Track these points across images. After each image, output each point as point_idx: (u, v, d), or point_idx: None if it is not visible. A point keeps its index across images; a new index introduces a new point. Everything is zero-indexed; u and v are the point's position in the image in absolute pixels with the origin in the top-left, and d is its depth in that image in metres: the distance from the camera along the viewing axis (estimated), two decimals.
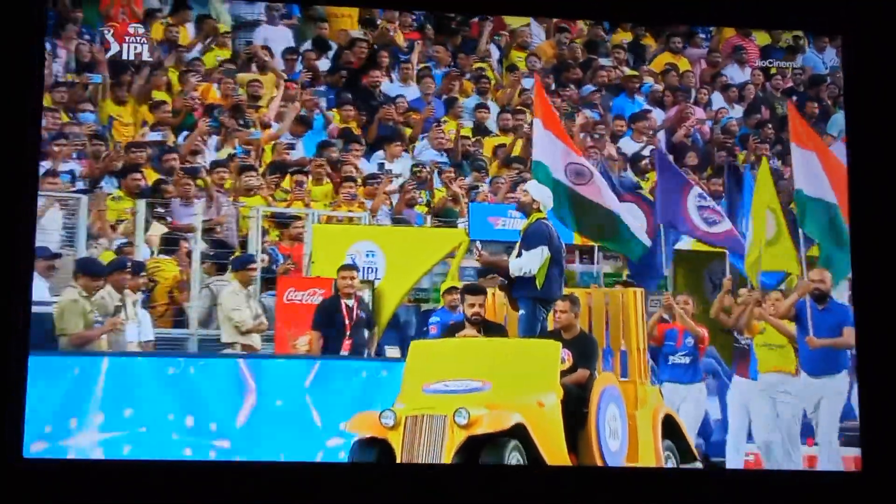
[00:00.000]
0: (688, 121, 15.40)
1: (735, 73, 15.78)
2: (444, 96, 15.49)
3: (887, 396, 12.23)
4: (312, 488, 11.60)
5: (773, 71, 15.57)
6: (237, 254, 13.52)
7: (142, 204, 13.56)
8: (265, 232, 13.85)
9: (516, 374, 12.28)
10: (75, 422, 12.45)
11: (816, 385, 13.30)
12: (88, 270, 12.75)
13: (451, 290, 13.98)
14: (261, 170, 14.26)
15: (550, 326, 12.85)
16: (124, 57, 14.76)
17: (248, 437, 12.38)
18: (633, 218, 14.17)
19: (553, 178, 13.51)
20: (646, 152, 15.13)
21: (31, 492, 11.49)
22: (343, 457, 12.60)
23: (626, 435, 12.86)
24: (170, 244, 13.67)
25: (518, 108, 15.47)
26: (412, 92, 15.39)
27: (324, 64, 15.24)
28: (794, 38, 15.63)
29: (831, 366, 13.31)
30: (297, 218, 14.00)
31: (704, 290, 14.86)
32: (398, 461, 11.93)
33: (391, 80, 15.39)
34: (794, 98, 15.45)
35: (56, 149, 13.89)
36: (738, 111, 15.77)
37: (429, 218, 14.87)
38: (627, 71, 15.84)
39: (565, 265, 13.65)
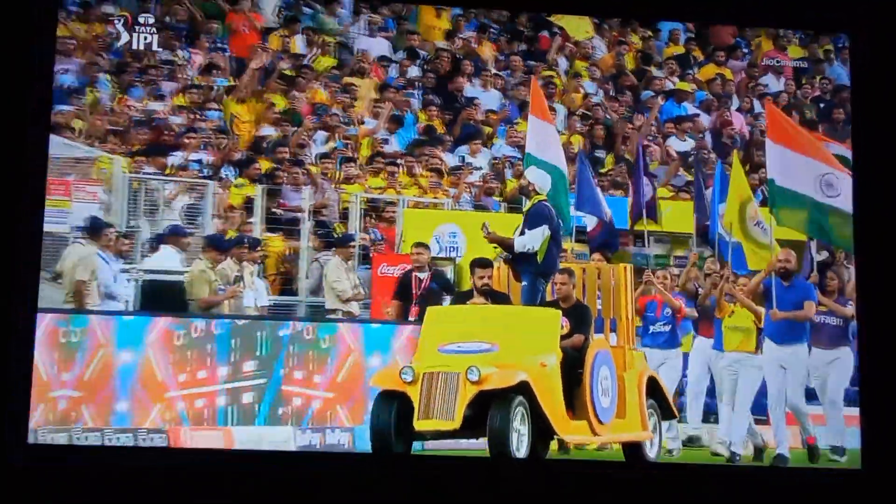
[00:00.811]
0: (728, 125, 15.72)
1: (771, 82, 16.07)
2: (518, 100, 15.75)
3: (888, 397, 12.41)
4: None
5: (804, 81, 15.89)
6: (339, 233, 14.16)
7: (259, 189, 14.21)
8: (365, 214, 14.44)
9: (521, 337, 12.64)
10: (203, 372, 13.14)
11: (779, 353, 13.52)
12: (214, 245, 13.53)
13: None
14: (359, 161, 14.79)
15: (549, 297, 13.28)
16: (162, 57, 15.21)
17: (345, 389, 13.06)
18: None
19: (548, 164, 13.68)
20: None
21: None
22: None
23: (615, 393, 13.20)
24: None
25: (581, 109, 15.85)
26: (491, 95, 15.77)
27: (413, 70, 15.66)
28: (823, 52, 15.98)
29: (794, 336, 13.50)
30: (391, 203, 14.60)
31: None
32: (416, 413, 12.17)
33: (472, 85, 15.77)
34: (818, 104, 15.82)
35: (187, 141, 14.48)
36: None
37: (503, 205, 14.96)
38: (678, 81, 16.14)
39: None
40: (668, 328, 14.15)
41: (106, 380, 13.00)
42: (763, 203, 14.19)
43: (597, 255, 14.29)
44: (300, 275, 14.29)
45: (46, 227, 13.48)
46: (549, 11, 16.05)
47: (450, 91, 15.70)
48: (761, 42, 16.28)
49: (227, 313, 13.62)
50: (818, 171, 13.81)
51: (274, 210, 14.41)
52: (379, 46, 15.84)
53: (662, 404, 13.63)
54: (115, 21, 15.17)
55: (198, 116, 15.00)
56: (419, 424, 12.18)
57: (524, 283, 13.25)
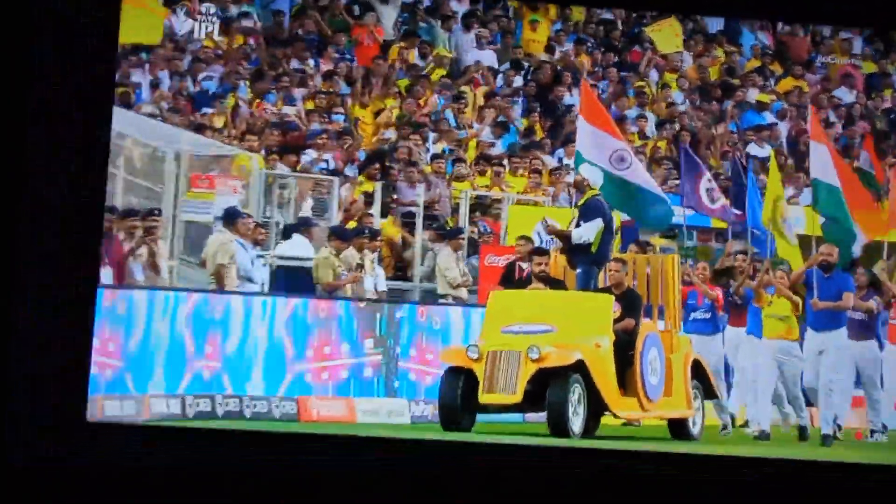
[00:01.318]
0: (804, 133, 15.79)
1: (845, 95, 16.47)
2: (613, 107, 16.06)
3: None
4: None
5: (874, 95, 16.30)
6: (450, 225, 14.72)
7: (378, 185, 14.74)
8: (473, 210, 14.98)
9: (577, 320, 12.79)
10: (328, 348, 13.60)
11: (818, 339, 13.61)
12: (338, 235, 13.97)
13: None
14: (468, 161, 15.36)
15: (601, 284, 13.34)
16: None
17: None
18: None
19: (593, 164, 13.68)
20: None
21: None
22: None
23: (663, 373, 13.34)
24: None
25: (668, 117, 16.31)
26: None
27: (518, 80, 16.25)
28: (894, 67, 16.34)
29: (833, 323, 13.56)
30: (497, 200, 15.12)
31: None
32: (480, 387, 12.29)
33: (571, 94, 16.14)
34: (889, 115, 16.27)
35: (319, 141, 14.96)
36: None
37: None
38: (758, 93, 16.50)
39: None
40: (708, 315, 14.30)
41: (242, 353, 13.22)
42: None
43: (633, 247, 14.50)
44: (416, 262, 14.75)
45: (192, 217, 14.35)
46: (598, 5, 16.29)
47: (550, 99, 16.11)
48: (836, 57, 16.58)
49: (349, 296, 13.94)
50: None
51: (391, 205, 14.81)
52: (487, 58, 16.24)
53: (705, 385, 13.77)
54: (177, 10, 15.42)
55: (325, 119, 15.38)
56: (484, 398, 12.41)
57: (579, 270, 13.36)
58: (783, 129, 16.27)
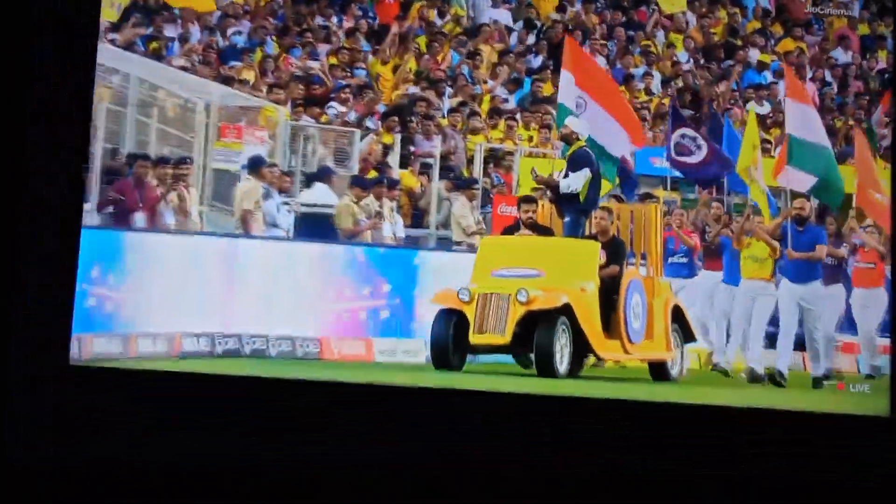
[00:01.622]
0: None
1: (840, 55, 16.34)
2: (619, 65, 16.13)
3: None
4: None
5: (868, 56, 16.19)
6: (465, 176, 14.83)
7: (397, 137, 14.82)
8: (487, 161, 15.08)
9: (564, 265, 13.05)
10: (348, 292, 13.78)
11: (797, 290, 13.65)
12: (358, 184, 14.22)
13: None
14: (483, 115, 15.38)
15: (587, 231, 13.54)
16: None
17: None
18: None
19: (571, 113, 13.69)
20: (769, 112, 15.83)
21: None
22: None
23: (645, 318, 13.58)
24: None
25: (673, 75, 16.25)
26: (598, 61, 15.77)
27: (531, 38, 16.17)
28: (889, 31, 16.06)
29: (809, 275, 13.64)
30: (509, 152, 15.23)
31: None
32: (471, 329, 12.54)
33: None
34: (882, 74, 16.05)
35: (342, 95, 14.99)
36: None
37: None
38: (759, 53, 16.42)
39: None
40: (685, 259, 14.39)
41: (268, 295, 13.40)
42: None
43: (612, 199, 14.21)
44: (432, 210, 14.84)
45: (221, 166, 14.38)
46: None
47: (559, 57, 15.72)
48: (833, 20, 16.39)
49: (369, 242, 14.19)
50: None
51: (409, 156, 14.91)
52: (502, 17, 16.18)
53: (685, 329, 13.91)
54: None
55: (347, 74, 15.42)
56: (474, 339, 12.65)
57: (567, 219, 13.52)
58: (781, 87, 16.02)
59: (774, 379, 13.61)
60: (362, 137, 14.96)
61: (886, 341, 13.17)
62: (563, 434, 11.03)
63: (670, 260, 14.31)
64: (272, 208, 14.11)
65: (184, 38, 15.18)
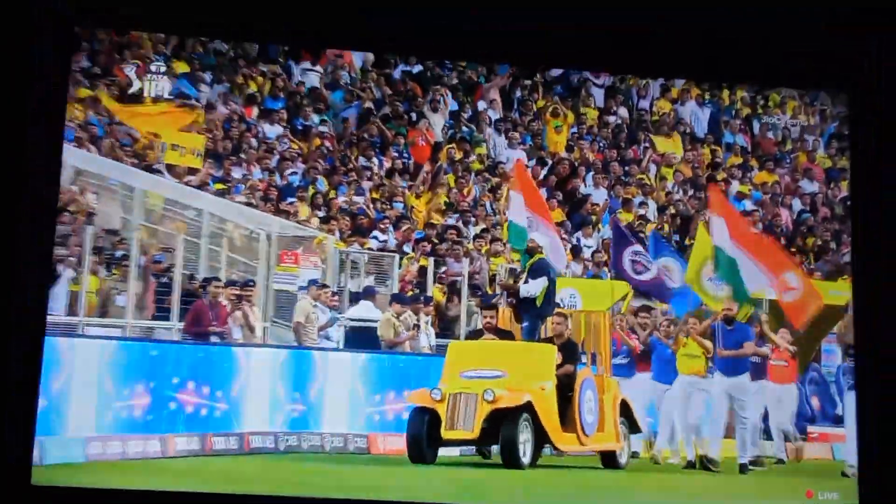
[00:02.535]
0: (777, 217, 16.34)
1: (807, 185, 16.92)
2: (620, 197, 16.60)
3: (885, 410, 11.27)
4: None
5: (832, 185, 16.66)
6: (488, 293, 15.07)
7: (430, 260, 15.16)
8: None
9: (525, 366, 13.03)
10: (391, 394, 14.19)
11: (727, 382, 13.68)
12: (398, 300, 14.65)
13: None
14: (503, 240, 15.54)
15: (543, 335, 13.63)
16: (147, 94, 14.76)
17: None
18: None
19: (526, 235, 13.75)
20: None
21: None
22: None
23: (597, 411, 13.60)
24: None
25: (666, 203, 16.77)
26: (600, 193, 16.54)
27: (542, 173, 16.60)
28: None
29: (737, 369, 13.71)
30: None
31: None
32: (443, 425, 12.48)
33: (585, 186, 16.66)
34: (845, 202, 16.27)
35: (382, 225, 15.39)
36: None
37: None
38: (738, 185, 16.94)
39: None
40: (626, 361, 14.41)
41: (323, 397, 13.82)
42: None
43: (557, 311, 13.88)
44: (462, 322, 15.20)
45: (281, 287, 14.76)
46: (563, 66, 16.07)
47: (568, 189, 16.62)
48: (799, 155, 17.07)
49: (407, 350, 14.50)
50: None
51: (441, 276, 15.25)
52: (518, 156, 16.57)
53: (631, 421, 14.00)
54: (128, 69, 14.93)
55: (387, 206, 15.90)
56: (446, 434, 12.68)
57: (525, 323, 13.64)
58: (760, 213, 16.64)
59: (704, 464, 13.72)
60: (400, 261, 15.35)
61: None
62: None
63: (613, 361, 14.29)
64: (324, 322, 14.46)
65: (247, 178, 15.68)
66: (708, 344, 13.86)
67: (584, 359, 13.90)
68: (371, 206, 15.93)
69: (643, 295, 15.13)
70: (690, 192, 17.03)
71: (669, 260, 15.08)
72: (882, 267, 11.50)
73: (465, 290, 15.30)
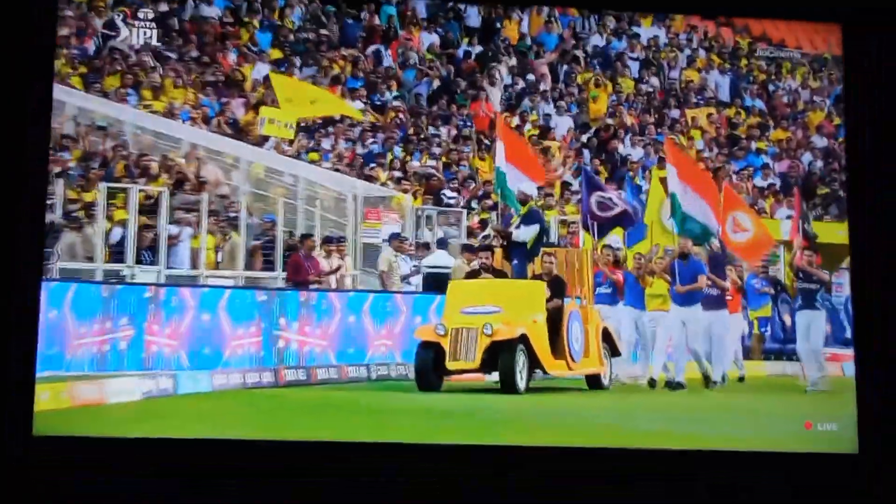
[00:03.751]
0: (795, 168, 16.42)
1: (818, 141, 16.81)
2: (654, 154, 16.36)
3: (886, 389, 10.87)
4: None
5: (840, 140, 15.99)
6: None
7: (493, 214, 14.99)
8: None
9: (518, 302, 13.13)
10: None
11: (682, 313, 13.86)
12: (467, 249, 14.69)
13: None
14: (555, 195, 15.72)
15: (532, 272, 13.72)
16: (133, 41, 14.61)
17: None
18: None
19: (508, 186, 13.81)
20: None
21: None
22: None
23: (583, 340, 13.67)
24: None
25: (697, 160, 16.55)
26: (637, 152, 16.55)
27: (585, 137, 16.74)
28: None
29: (691, 300, 13.85)
30: (574, 221, 15.43)
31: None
32: (447, 356, 12.62)
33: (624, 146, 16.64)
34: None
35: (452, 185, 15.49)
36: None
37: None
38: (756, 143, 16.87)
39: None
40: (610, 290, 14.37)
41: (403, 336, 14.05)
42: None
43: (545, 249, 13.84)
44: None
45: (367, 240, 14.99)
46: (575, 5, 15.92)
47: (609, 150, 16.75)
48: (809, 115, 17.10)
49: None
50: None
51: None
52: (564, 122, 16.90)
53: (612, 346, 14.05)
54: (115, 16, 14.65)
55: (455, 169, 16.13)
56: (450, 364, 12.80)
57: (515, 262, 13.61)
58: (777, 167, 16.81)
59: (671, 385, 13.91)
60: (468, 215, 15.59)
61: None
62: None
63: (598, 290, 14.26)
64: (406, 270, 14.86)
65: (335, 148, 16.04)
66: (668, 278, 13.98)
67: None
68: (441, 168, 16.14)
69: (610, 228, 14.76)
70: (716, 150, 17.20)
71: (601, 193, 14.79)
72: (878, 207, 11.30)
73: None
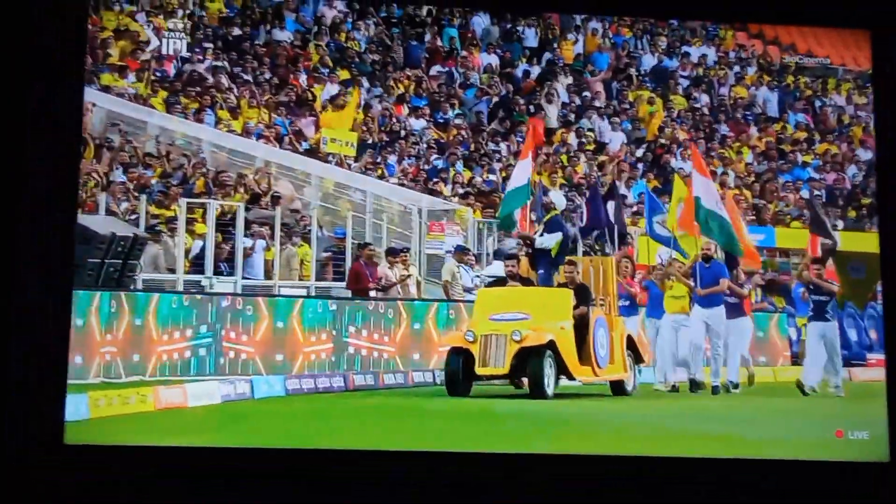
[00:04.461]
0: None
1: (862, 154, 16.78)
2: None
3: None
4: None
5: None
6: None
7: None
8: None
9: (546, 309, 12.87)
10: None
11: (703, 313, 13.71)
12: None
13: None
14: None
15: (557, 281, 13.47)
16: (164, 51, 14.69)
17: None
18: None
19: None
20: None
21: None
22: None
23: (608, 347, 13.41)
24: None
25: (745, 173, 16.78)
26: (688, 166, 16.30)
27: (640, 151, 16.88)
28: None
29: (712, 301, 13.68)
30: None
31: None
32: (476, 362, 12.33)
33: (675, 160, 16.73)
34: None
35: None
36: None
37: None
38: (802, 156, 16.98)
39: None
40: (627, 303, 14.18)
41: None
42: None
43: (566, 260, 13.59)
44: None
45: (431, 251, 15.14)
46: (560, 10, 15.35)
47: (661, 164, 16.77)
48: (854, 129, 16.96)
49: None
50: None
51: None
52: (618, 137, 16.91)
53: (636, 353, 13.80)
54: (145, 26, 14.69)
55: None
56: (480, 370, 12.52)
57: (541, 271, 13.40)
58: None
59: (691, 388, 13.73)
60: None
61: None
62: None
63: (619, 302, 14.08)
64: (467, 279, 14.87)
65: (400, 164, 16.23)
66: (690, 283, 13.79)
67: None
68: (502, 182, 16.09)
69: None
70: (765, 163, 17.21)
71: (662, 216, 14.86)
72: None
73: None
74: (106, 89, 14.66)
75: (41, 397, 9.14)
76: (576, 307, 13.19)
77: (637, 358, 13.91)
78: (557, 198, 13.87)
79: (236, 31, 15.61)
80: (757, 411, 13.01)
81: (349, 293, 14.58)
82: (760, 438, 11.07)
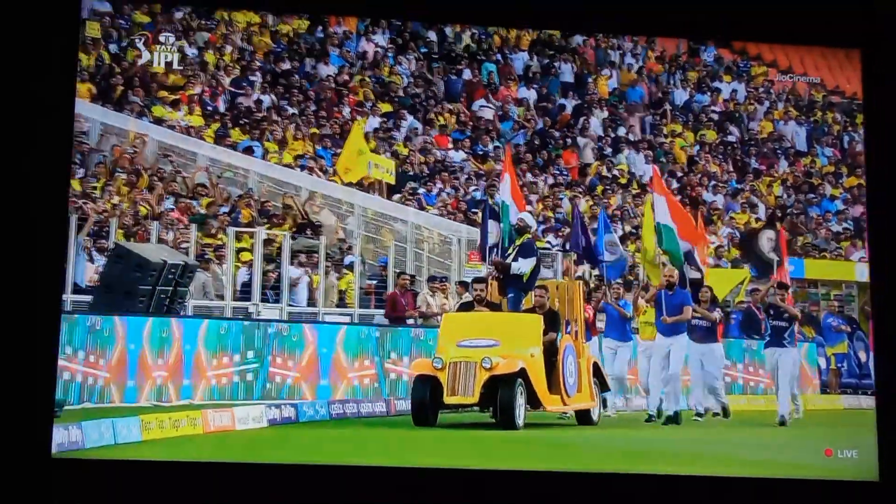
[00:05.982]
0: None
1: None
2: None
3: None
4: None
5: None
6: None
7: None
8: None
9: (515, 335, 12.16)
10: None
11: (666, 341, 13.14)
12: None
13: None
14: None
15: (527, 305, 12.82)
16: (156, 64, 14.16)
17: None
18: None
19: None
20: None
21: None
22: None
23: (577, 375, 12.75)
24: None
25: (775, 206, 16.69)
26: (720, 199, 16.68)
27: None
28: None
29: (676, 330, 13.12)
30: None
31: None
32: (445, 391, 11.68)
33: (707, 192, 16.73)
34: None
35: (547, 226, 15.77)
36: None
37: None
38: (831, 189, 16.84)
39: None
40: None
41: None
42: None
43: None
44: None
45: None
46: (538, 28, 15.22)
47: (692, 196, 16.57)
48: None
49: None
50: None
51: None
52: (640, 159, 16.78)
53: (601, 381, 13.23)
54: (136, 39, 14.19)
55: (550, 216, 16.10)
56: (448, 399, 11.84)
57: (511, 295, 12.76)
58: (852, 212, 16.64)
59: (669, 418, 13.23)
60: (563, 257, 15.51)
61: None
62: None
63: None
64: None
65: (440, 194, 16.20)
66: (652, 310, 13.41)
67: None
68: (538, 213, 16.06)
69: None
70: (794, 196, 17.09)
71: (612, 236, 14.67)
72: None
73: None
74: (158, 121, 14.68)
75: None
76: (545, 333, 12.57)
77: (603, 386, 13.39)
78: (529, 218, 13.12)
79: (284, 66, 15.55)
80: (747, 434, 12.88)
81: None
82: (749, 459, 10.97)
